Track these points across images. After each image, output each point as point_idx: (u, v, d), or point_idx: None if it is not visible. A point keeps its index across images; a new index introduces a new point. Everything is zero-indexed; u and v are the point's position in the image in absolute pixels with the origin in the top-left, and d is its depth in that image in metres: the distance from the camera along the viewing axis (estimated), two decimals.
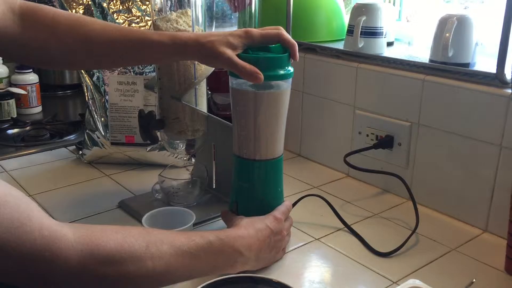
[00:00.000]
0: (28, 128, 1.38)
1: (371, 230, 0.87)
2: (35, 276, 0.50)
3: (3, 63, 1.57)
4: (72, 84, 1.77)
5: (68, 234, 0.51)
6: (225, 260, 0.67)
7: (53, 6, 1.07)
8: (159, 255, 0.58)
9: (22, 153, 1.22)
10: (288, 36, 0.75)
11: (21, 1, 0.75)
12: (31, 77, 1.54)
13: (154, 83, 0.89)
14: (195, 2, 0.84)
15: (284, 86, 0.77)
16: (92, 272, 0.52)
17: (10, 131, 1.36)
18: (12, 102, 1.47)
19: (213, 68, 0.84)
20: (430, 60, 0.94)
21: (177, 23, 0.83)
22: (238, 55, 0.72)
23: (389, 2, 1.29)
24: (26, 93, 1.51)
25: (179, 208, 0.86)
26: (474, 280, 0.68)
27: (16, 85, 1.51)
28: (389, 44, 1.13)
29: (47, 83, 1.72)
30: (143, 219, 0.79)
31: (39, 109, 1.57)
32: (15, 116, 1.47)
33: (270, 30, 0.75)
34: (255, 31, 0.74)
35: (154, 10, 0.86)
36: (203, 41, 0.71)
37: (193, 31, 0.83)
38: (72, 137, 1.31)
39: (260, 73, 0.71)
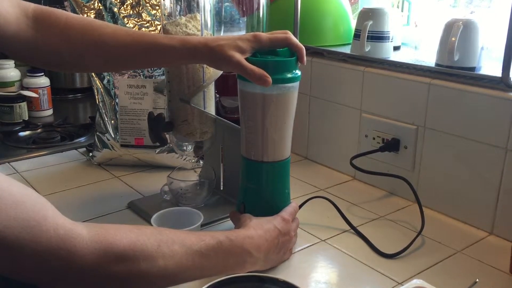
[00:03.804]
0: (39, 130, 1.40)
1: (377, 232, 0.88)
2: (50, 274, 0.52)
3: (15, 67, 1.59)
4: (82, 87, 1.80)
5: (83, 233, 0.52)
6: (235, 260, 0.68)
7: (65, 10, 1.09)
8: (170, 254, 0.59)
9: (33, 155, 1.24)
10: (296, 40, 0.76)
11: (34, 5, 0.77)
12: (43, 81, 1.56)
13: (164, 86, 0.91)
14: (204, 6, 0.85)
15: (292, 89, 0.78)
16: (106, 269, 0.53)
17: (21, 134, 1.38)
18: (23, 105, 1.50)
19: (222, 72, 0.86)
20: (436, 64, 0.95)
21: (186, 27, 0.85)
22: (246, 59, 0.73)
23: (397, 7, 1.30)
24: (37, 96, 1.54)
25: (187, 208, 0.87)
26: (477, 280, 0.69)
27: (27, 89, 1.54)
28: (396, 48, 1.14)
29: (58, 87, 1.74)
30: (152, 219, 0.80)
31: (50, 112, 1.59)
32: (26, 118, 1.49)
33: (278, 34, 0.76)
34: (264, 35, 0.75)
35: (164, 15, 0.88)
36: (212, 45, 0.73)
37: (202, 35, 0.85)
38: (82, 139, 1.33)
39: (269, 76, 0.72)
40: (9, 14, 0.73)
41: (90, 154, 1.19)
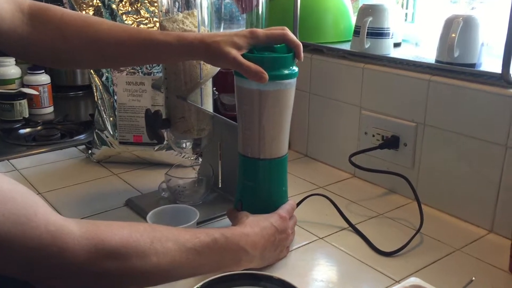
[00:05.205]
0: (39, 128, 1.40)
1: (376, 230, 0.87)
2: (42, 271, 0.51)
3: (16, 64, 1.59)
4: (83, 85, 1.80)
5: (74, 229, 0.52)
6: (230, 258, 0.68)
7: (63, 7, 1.09)
8: (164, 251, 0.58)
9: (33, 152, 1.24)
10: (293, 36, 0.75)
11: (30, 1, 0.77)
12: (43, 78, 1.56)
13: (161, 83, 0.90)
14: (201, 3, 0.85)
15: (289, 86, 0.77)
16: (98, 266, 0.53)
17: (22, 131, 1.38)
18: (24, 102, 1.50)
19: (219, 68, 0.85)
20: (436, 61, 0.94)
21: (183, 23, 0.84)
22: (243, 55, 0.73)
23: (402, 6, 1.29)
24: (38, 93, 1.54)
25: (183, 205, 0.86)
26: (473, 278, 0.68)
27: (28, 86, 1.54)
28: (397, 45, 1.13)
29: (59, 84, 1.74)
30: (148, 216, 0.80)
31: (51, 109, 1.59)
32: (27, 116, 1.49)
33: (275, 30, 0.76)
34: (260, 31, 0.75)
35: (161, 11, 0.87)
36: (208, 41, 0.72)
37: (198, 31, 0.84)
38: (82, 136, 1.33)
39: (265, 72, 0.71)
40: (4, 10, 0.72)
41: (89, 151, 1.18)
